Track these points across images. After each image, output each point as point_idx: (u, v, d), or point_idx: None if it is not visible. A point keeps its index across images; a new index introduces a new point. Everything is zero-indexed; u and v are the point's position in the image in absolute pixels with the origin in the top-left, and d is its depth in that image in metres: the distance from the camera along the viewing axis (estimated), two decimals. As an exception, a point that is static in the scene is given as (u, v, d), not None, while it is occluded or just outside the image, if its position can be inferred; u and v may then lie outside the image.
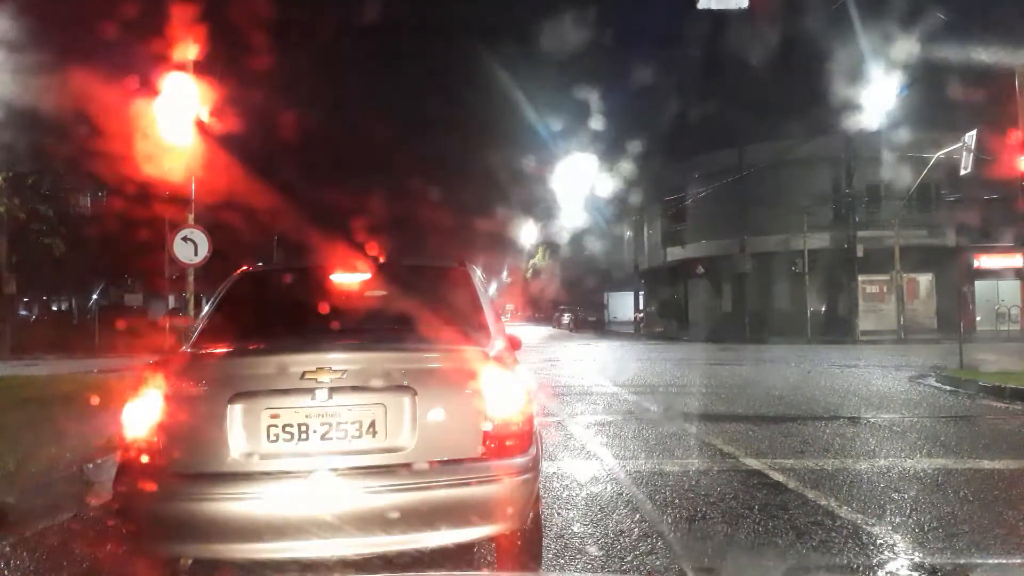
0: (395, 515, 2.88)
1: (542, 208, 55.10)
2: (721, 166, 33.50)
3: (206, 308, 4.00)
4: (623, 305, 52.93)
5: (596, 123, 38.07)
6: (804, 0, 30.82)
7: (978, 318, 31.09)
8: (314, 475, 2.89)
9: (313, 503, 2.86)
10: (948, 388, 11.87)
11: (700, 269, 37.27)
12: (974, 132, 21.67)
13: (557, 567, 3.79)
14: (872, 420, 8.70)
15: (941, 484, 5.50)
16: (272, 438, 2.93)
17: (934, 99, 26.25)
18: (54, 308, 44.71)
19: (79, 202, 28.35)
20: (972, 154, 21.44)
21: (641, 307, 46.18)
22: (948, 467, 6.08)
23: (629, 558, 3.93)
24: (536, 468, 3.18)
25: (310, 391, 2.95)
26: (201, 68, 10.74)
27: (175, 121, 10.44)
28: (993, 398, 10.54)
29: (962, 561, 3.92)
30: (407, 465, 2.94)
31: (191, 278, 11.39)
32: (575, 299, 56.24)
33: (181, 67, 10.47)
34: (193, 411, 3.00)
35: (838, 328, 30.45)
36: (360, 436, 2.96)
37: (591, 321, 48.52)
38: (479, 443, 3.03)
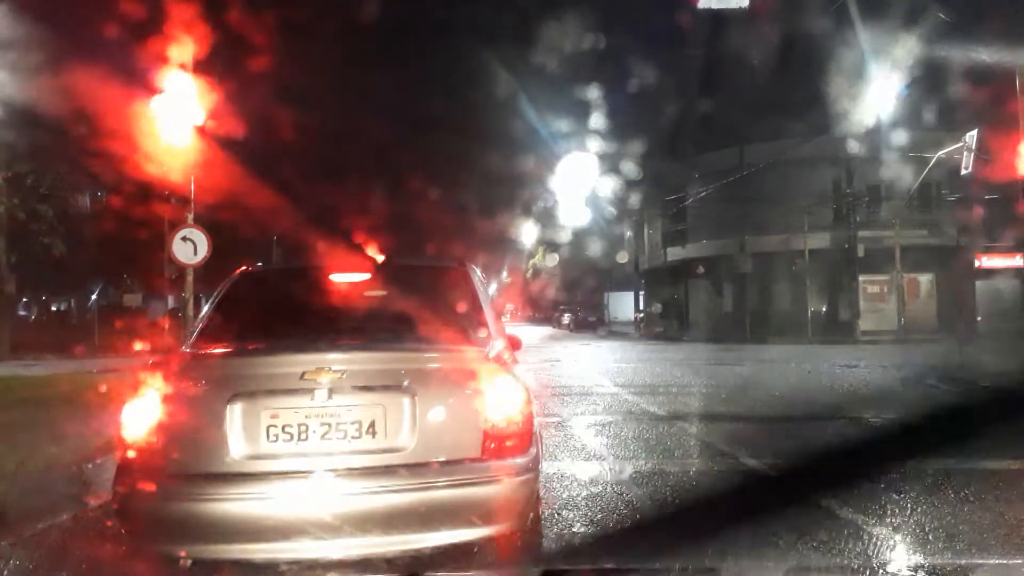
0: (395, 515, 2.88)
1: (542, 208, 54.99)
2: (721, 166, 33.45)
3: (205, 308, 3.99)
4: (623, 305, 52.88)
5: (596, 123, 37.97)
6: (804, 0, 30.82)
7: (979, 318, 31.07)
8: (314, 475, 2.89)
9: (313, 503, 2.85)
10: (948, 388, 11.85)
11: (700, 269, 37.24)
12: (974, 132, 21.66)
13: (557, 567, 3.78)
14: (872, 420, 8.69)
15: (942, 484, 5.49)
16: (272, 438, 2.93)
17: (934, 99, 26.23)
18: (53, 308, 44.71)
19: (79, 202, 28.31)
20: (972, 154, 21.43)
21: (641, 307, 46.14)
22: (948, 467, 6.07)
23: (629, 558, 3.92)
24: (536, 468, 3.18)
25: (310, 391, 2.94)
26: (201, 68, 10.74)
27: (175, 121, 10.43)
28: (993, 398, 10.51)
29: (963, 561, 3.91)
30: (407, 465, 2.94)
31: (190, 278, 11.37)
32: (575, 299, 56.22)
33: (181, 67, 10.46)
34: (192, 411, 2.99)
35: (838, 328, 30.43)
36: (360, 436, 2.96)
37: (591, 321, 48.49)
38: (479, 443, 3.02)
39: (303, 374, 2.94)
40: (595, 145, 39.61)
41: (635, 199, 42.71)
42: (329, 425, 2.95)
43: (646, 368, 17.38)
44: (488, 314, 3.82)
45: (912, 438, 7.61)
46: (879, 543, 4.11)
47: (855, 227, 30.12)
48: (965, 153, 21.73)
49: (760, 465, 6.08)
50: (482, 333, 3.59)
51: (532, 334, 37.72)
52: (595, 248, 51.64)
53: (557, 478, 5.68)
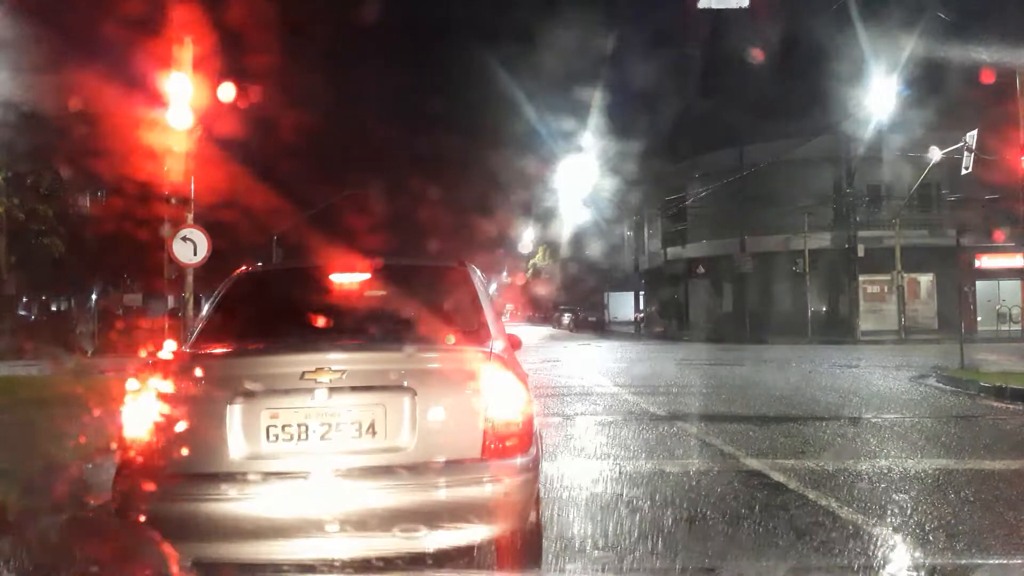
0: (395, 515, 2.88)
1: (542, 208, 55.06)
2: (721, 166, 33.45)
3: (206, 308, 3.99)
4: (623, 305, 52.86)
5: (596, 123, 38.04)
6: (804, 0, 30.83)
7: (979, 318, 31.07)
8: (314, 475, 2.89)
9: (313, 503, 2.85)
10: (949, 388, 11.86)
11: (700, 269, 37.25)
12: (975, 132, 21.64)
13: (557, 567, 3.78)
14: (873, 420, 8.69)
15: (942, 485, 5.49)
16: (272, 438, 2.92)
17: (934, 99, 26.22)
18: (53, 308, 44.65)
19: (78, 202, 28.32)
20: (972, 154, 21.42)
21: (641, 307, 46.15)
22: (949, 467, 6.07)
23: (629, 558, 3.92)
24: (536, 468, 3.17)
25: (310, 391, 2.94)
26: (201, 67, 10.71)
27: (175, 120, 10.41)
28: (994, 398, 10.52)
29: (963, 562, 3.91)
30: (407, 465, 2.94)
31: (190, 278, 11.35)
32: (575, 299, 56.19)
33: (181, 67, 10.44)
34: (192, 411, 2.99)
35: (839, 328, 30.43)
36: (360, 436, 2.95)
37: (591, 321, 48.44)
38: (479, 443, 3.02)
39: (303, 374, 2.94)
40: (595, 145, 39.67)
41: (635, 199, 42.74)
42: (329, 425, 2.95)
43: (646, 368, 17.38)
44: (488, 314, 3.81)
45: (912, 438, 7.61)
46: (879, 543, 4.11)
47: (855, 227, 30.11)
48: (965, 153, 21.71)
49: (761, 465, 6.08)
50: (482, 333, 3.58)
51: (532, 334, 37.69)
52: (595, 248, 51.69)
53: (557, 478, 5.67)
